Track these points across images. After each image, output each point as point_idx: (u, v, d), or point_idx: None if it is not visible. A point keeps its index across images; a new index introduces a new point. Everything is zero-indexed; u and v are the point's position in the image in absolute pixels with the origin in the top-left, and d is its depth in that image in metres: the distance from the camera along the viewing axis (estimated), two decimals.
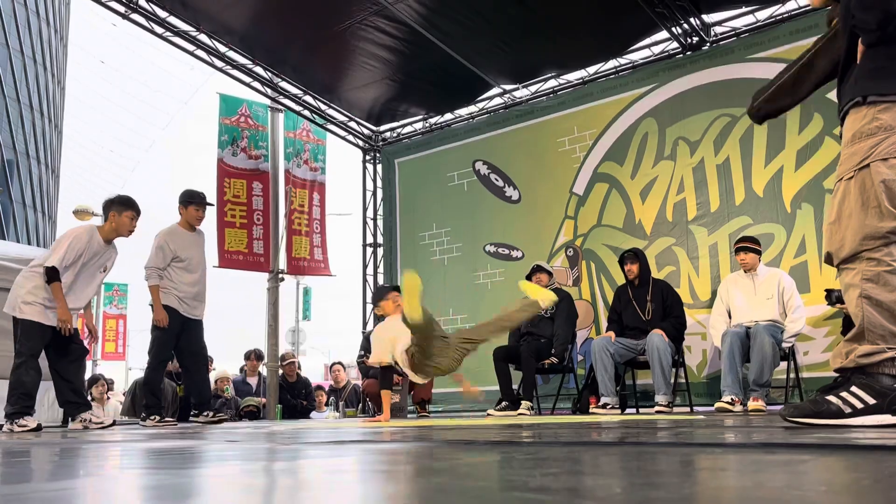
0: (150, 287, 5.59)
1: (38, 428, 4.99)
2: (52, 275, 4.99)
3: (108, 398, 9.24)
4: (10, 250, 6.24)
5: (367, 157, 9.81)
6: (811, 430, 1.99)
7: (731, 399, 5.15)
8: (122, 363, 19.49)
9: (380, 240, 9.53)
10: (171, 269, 5.65)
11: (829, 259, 2.20)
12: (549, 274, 6.68)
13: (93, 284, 5.37)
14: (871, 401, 2.03)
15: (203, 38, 7.57)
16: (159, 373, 5.74)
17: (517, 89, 8.45)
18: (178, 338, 5.67)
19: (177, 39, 7.47)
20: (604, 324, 6.94)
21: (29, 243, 38.32)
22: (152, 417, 5.56)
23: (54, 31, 46.10)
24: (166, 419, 5.72)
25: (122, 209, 5.31)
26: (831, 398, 2.07)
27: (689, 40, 7.15)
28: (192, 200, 5.83)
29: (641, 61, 7.58)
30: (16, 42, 41.92)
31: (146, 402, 5.69)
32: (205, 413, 5.72)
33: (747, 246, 5.67)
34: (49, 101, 45.00)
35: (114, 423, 5.15)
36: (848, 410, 2.04)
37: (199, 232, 5.93)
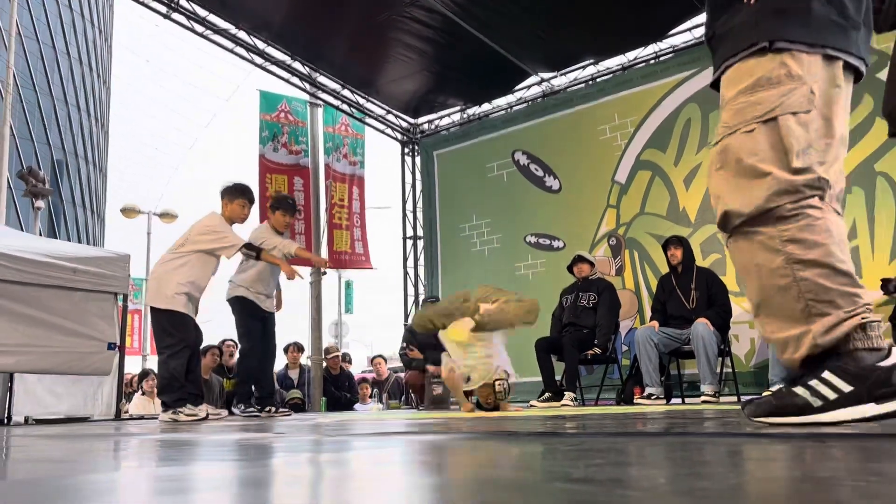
0: (295, 251, 5.65)
1: (206, 417, 5.14)
2: (252, 251, 5.24)
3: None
4: (62, 249, 6.41)
5: (406, 150, 9.84)
6: (788, 429, 1.66)
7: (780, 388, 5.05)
8: (138, 357, 20.23)
9: (420, 232, 9.56)
10: (243, 263, 5.70)
11: (724, 222, 1.81)
12: (591, 264, 6.62)
13: (210, 271, 5.45)
14: (847, 388, 1.62)
15: (242, 35, 7.67)
16: (248, 359, 5.70)
17: (555, 77, 8.39)
18: (262, 329, 5.71)
19: (217, 37, 7.58)
20: (648, 313, 6.87)
21: (80, 241, 39.38)
22: (267, 409, 5.65)
23: (99, 32, 47.16)
24: (281, 409, 5.73)
25: (233, 196, 5.39)
26: (798, 389, 1.69)
27: None
28: (278, 205, 5.83)
29: (682, 45, 7.45)
30: (62, 44, 43.00)
31: (236, 389, 5.78)
32: (267, 409, 5.68)
33: None
34: (95, 101, 46.09)
35: (207, 417, 5.25)
36: (818, 403, 1.65)
37: (285, 235, 5.96)
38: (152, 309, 5.25)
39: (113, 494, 1.02)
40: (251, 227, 6.00)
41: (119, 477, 1.31)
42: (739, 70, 1.83)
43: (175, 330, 5.14)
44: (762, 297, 1.78)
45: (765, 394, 5.20)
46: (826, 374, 1.66)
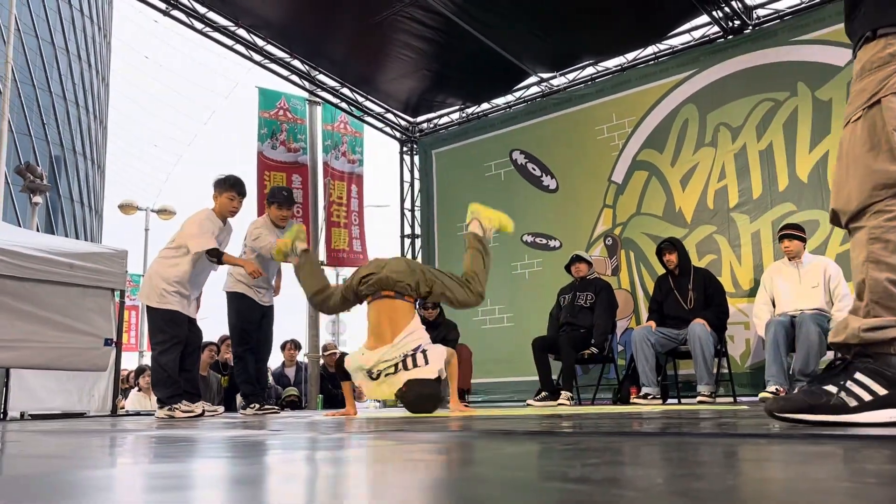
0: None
1: (202, 414, 5.14)
2: (216, 255, 5.12)
3: None
4: (59, 245, 6.41)
5: (405, 149, 9.83)
6: (811, 428, 1.66)
7: (776, 389, 5.06)
8: (135, 353, 20.30)
9: (418, 231, 9.56)
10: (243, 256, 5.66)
11: (834, 218, 1.81)
12: (588, 263, 6.63)
13: (206, 268, 5.42)
14: (882, 391, 1.62)
15: (242, 32, 7.66)
16: (246, 361, 5.66)
17: (554, 77, 8.38)
18: (259, 325, 5.69)
19: (216, 35, 7.56)
20: (644, 313, 6.88)
21: (77, 237, 39.33)
22: (251, 406, 5.61)
23: (98, 29, 47.07)
24: (266, 406, 5.68)
25: (222, 189, 5.37)
26: (831, 387, 1.68)
27: (731, 24, 7.01)
28: (272, 199, 5.79)
29: (681, 46, 7.46)
30: (61, 40, 42.92)
31: (242, 391, 5.75)
32: (252, 405, 5.66)
33: (791, 233, 5.56)
34: (94, 97, 46.00)
35: (203, 413, 5.25)
36: (853, 404, 1.63)
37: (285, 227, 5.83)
38: (147, 306, 5.28)
39: (109, 491, 1.02)
40: (247, 220, 5.99)
41: (115, 473, 1.31)
42: (857, 60, 1.82)
43: (167, 326, 5.16)
44: (854, 287, 1.78)
45: (761, 395, 5.21)
46: (859, 376, 1.65)
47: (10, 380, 6.57)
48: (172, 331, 5.17)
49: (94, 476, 1.21)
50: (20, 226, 18.28)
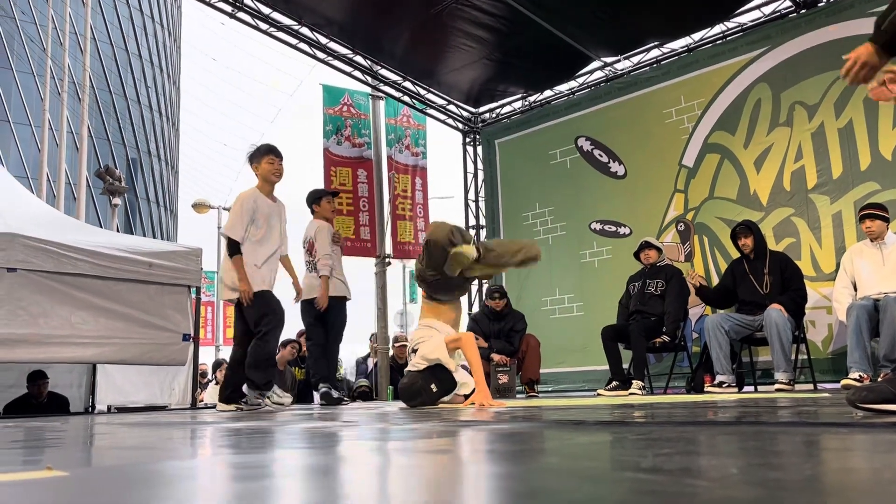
0: (322, 277, 5.77)
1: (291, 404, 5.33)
2: (232, 248, 5.03)
3: None
4: (138, 244, 6.65)
5: (467, 140, 9.83)
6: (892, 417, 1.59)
7: (859, 376, 4.86)
8: (211, 348, 21.01)
9: (483, 221, 9.55)
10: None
11: None
12: (659, 250, 6.51)
13: (274, 246, 5.35)
14: None
15: (305, 31, 7.79)
16: (317, 356, 5.98)
17: (618, 61, 8.22)
18: (323, 319, 5.90)
19: (280, 34, 7.71)
20: None
21: (154, 237, 40.80)
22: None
23: (168, 33, 48.56)
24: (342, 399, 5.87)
25: (260, 157, 5.29)
26: None
27: None
28: (322, 195, 6.12)
29: (751, 24, 7.20)
30: (134, 46, 44.48)
31: (314, 384, 5.99)
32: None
33: (873, 213, 5.33)
34: (166, 100, 47.54)
35: (293, 403, 5.42)
36: None
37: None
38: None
39: (192, 480, 1.06)
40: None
41: (197, 463, 1.36)
42: None
43: (267, 307, 5.08)
44: None
45: (843, 382, 5.03)
46: None
47: (97, 375, 6.88)
48: (270, 306, 5.10)
49: (179, 466, 1.26)
50: (101, 226, 19.08)
